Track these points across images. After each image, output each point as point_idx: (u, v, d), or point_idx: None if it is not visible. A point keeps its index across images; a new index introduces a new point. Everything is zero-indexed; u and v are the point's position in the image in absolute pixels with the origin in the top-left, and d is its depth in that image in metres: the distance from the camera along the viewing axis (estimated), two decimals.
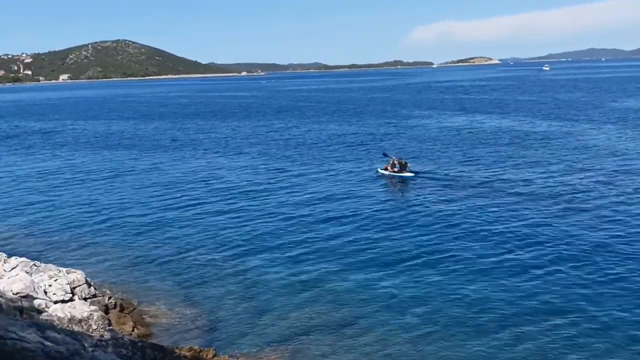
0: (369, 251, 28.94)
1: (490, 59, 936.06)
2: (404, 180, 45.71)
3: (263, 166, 54.36)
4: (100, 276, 26.09)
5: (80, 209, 40.12)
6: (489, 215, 34.28)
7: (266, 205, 38.82)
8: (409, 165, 47.36)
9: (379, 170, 48.76)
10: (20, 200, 43.78)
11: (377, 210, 36.70)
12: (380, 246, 29.60)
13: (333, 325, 20.92)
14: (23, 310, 15.62)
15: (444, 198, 39.13)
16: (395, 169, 47.24)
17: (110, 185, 48.02)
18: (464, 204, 37.11)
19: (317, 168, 52.44)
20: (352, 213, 36.25)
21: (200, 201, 40.91)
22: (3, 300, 15.21)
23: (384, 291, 23.87)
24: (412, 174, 46.41)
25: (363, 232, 32.23)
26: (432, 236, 30.98)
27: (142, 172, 54.09)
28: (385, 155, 51.17)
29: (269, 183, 46.27)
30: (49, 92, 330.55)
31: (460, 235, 30.82)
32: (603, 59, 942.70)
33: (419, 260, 27.33)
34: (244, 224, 34.71)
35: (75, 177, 52.41)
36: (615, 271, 25.10)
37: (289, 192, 42.68)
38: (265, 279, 25.72)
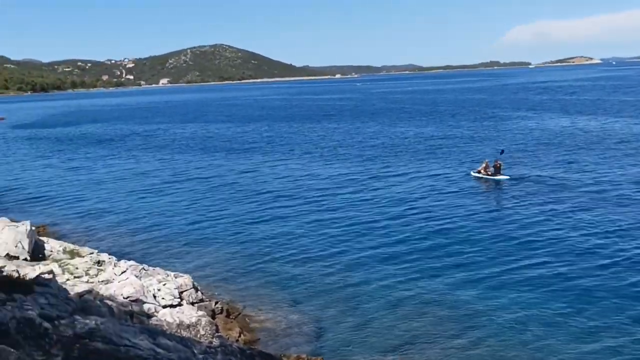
0: (465, 258, 28.10)
1: (591, 59, 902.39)
2: (498, 183, 44.69)
3: (359, 168, 54.11)
4: (203, 279, 26.24)
5: (179, 210, 40.87)
6: (587, 223, 32.64)
7: (363, 209, 38.46)
8: (503, 166, 46.36)
9: (472, 173, 47.85)
10: (122, 201, 44.93)
11: (470, 215, 35.74)
12: (475, 253, 28.68)
13: (438, 335, 20.36)
14: (133, 314, 16.03)
15: (541, 202, 37.73)
16: (489, 172, 46.24)
17: (209, 187, 48.77)
18: (563, 210, 35.55)
19: (412, 170, 51.89)
20: (446, 217, 35.52)
21: (299, 204, 40.96)
22: (114, 305, 15.63)
23: (483, 302, 23.05)
24: (507, 177, 45.30)
25: (458, 237, 31.41)
26: (528, 240, 30.14)
27: (240, 174, 54.74)
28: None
29: (365, 186, 45.91)
30: (149, 96, 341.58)
31: (556, 243, 29.45)
32: None
33: (514, 265, 26.59)
34: (343, 227, 34.46)
35: (175, 179, 53.62)
36: None
37: (383, 195, 42.21)
38: (367, 285, 25.37)
